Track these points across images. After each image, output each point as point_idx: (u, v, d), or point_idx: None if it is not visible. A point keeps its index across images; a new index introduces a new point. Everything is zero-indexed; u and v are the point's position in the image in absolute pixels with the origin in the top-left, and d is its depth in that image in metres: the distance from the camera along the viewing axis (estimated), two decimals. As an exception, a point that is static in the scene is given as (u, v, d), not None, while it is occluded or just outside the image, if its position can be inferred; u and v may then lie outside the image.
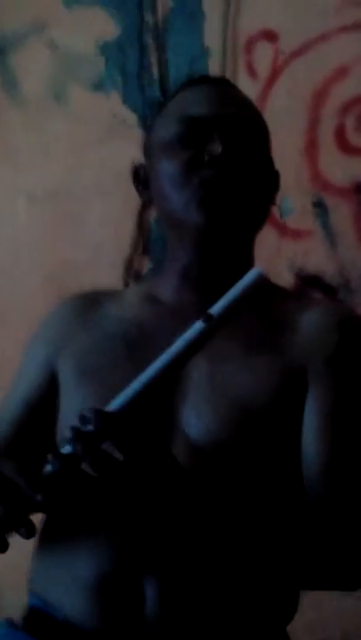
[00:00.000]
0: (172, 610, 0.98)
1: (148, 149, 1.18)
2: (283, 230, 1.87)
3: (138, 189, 1.18)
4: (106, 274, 1.92)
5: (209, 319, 0.93)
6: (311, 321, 1.10)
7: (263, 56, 1.91)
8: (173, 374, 0.93)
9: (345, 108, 1.84)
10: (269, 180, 1.16)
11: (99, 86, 2.07)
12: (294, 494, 1.07)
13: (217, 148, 1.07)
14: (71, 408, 1.08)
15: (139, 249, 1.97)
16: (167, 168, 1.10)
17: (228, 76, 1.91)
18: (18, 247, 2.08)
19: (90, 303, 1.18)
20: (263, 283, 0.93)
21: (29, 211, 2.08)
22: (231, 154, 1.07)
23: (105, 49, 2.05)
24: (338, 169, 1.84)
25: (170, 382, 0.94)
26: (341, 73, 1.85)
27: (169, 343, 1.04)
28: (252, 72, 1.92)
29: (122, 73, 2.04)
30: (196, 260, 1.11)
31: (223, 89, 1.17)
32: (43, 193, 2.07)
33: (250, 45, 1.93)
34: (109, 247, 2.00)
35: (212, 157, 1.07)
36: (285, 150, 1.87)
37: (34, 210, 2.07)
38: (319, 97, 1.86)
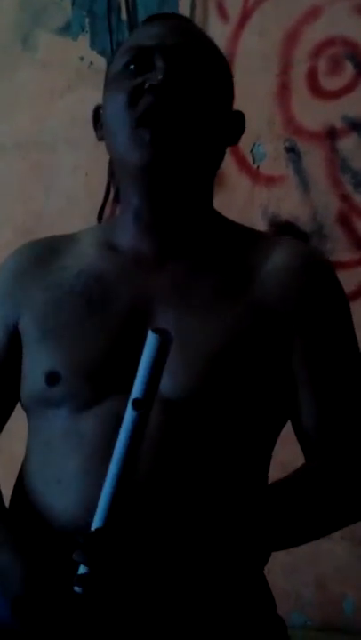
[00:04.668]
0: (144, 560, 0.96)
1: (104, 87, 1.12)
2: (256, 176, 1.85)
3: (95, 129, 1.13)
4: (78, 223, 1.89)
5: (138, 405, 0.88)
6: (278, 264, 1.07)
7: (233, -3, 1.88)
8: (133, 468, 0.90)
9: (317, 51, 1.82)
10: (224, 117, 1.09)
11: (66, 30, 2.03)
12: (269, 443, 1.08)
13: (157, 75, 1.02)
14: (35, 369, 1.06)
15: (110, 197, 1.95)
16: (111, 101, 1.06)
17: (199, 17, 1.89)
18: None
19: (47, 252, 1.14)
20: (169, 342, 0.87)
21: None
22: (174, 82, 1.02)
23: (72, -8, 2.00)
24: (310, 113, 1.82)
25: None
26: (313, 14, 1.82)
27: (127, 298, 1.04)
28: (222, 13, 1.88)
29: (89, 15, 2.00)
30: (146, 202, 1.06)
31: (176, 22, 1.12)
32: (12, 143, 2.03)
33: (220, -15, 1.90)
34: (81, 196, 1.98)
35: (151, 84, 1.01)
36: (257, 94, 1.87)
37: (3, 160, 2.04)
38: (291, 39, 1.83)
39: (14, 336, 1.10)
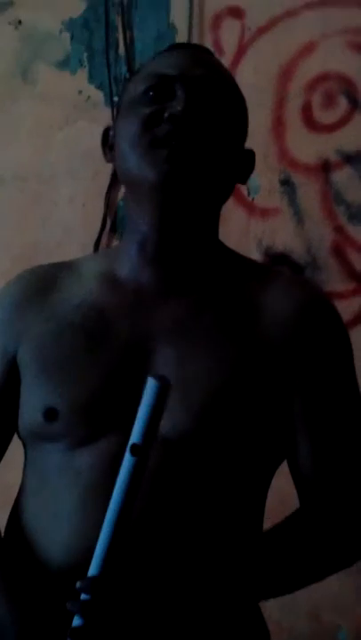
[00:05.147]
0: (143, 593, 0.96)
1: (117, 111, 1.12)
2: (251, 209, 1.88)
3: (104, 151, 1.11)
4: (76, 253, 1.90)
5: (136, 450, 0.87)
6: (280, 303, 1.05)
7: (230, 32, 1.91)
8: (130, 514, 0.89)
9: (311, 85, 1.85)
10: (237, 153, 1.08)
11: (65, 64, 2.06)
12: (265, 480, 1.07)
13: (178, 104, 1.00)
14: (33, 403, 1.05)
15: (107, 228, 1.97)
16: (127, 125, 1.04)
17: (195, 53, 1.91)
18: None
19: (47, 281, 1.12)
20: (168, 389, 0.87)
21: (-3, 193, 2.07)
22: (194, 114, 1.01)
23: (70, 26, 2.03)
24: (305, 146, 1.85)
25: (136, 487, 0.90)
26: (308, 49, 1.86)
27: (127, 334, 1.03)
28: (218, 49, 1.91)
29: (88, 50, 2.03)
30: (154, 230, 1.04)
31: (198, 53, 1.11)
32: (10, 174, 2.05)
33: (216, 21, 1.93)
34: (78, 227, 2.00)
35: (171, 114, 1.00)
36: (253, 128, 1.87)
37: (2, 191, 2.06)
38: (286, 74, 1.87)
39: (12, 366, 1.09)
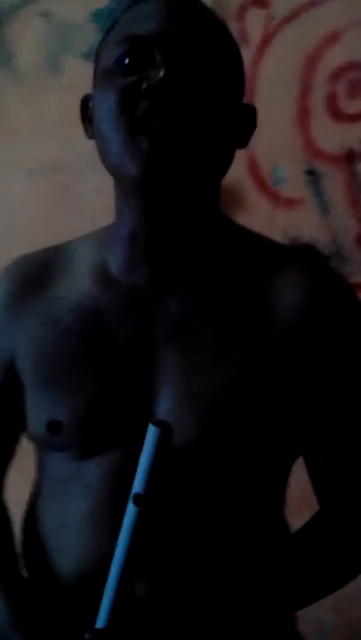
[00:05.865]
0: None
1: (94, 77, 0.97)
2: (276, 200, 1.88)
3: (84, 126, 1.00)
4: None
5: (140, 500, 0.83)
6: (287, 291, 0.96)
7: (255, 23, 1.90)
8: (136, 564, 0.86)
9: (336, 75, 1.84)
10: (233, 115, 0.93)
11: (92, 55, 2.06)
12: (280, 481, 1.04)
13: (157, 73, 0.85)
14: (37, 415, 1.00)
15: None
16: (103, 100, 0.90)
17: (220, 43, 1.91)
18: (15, 221, 2.09)
19: (38, 272, 1.03)
20: (170, 436, 0.82)
21: (26, 184, 2.09)
22: (177, 82, 0.86)
23: (97, 16, 2.03)
24: (330, 136, 1.84)
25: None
26: (333, 39, 1.85)
27: (127, 341, 0.96)
28: (243, 39, 1.91)
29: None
30: (143, 223, 0.94)
31: (174, 0, 0.92)
32: (39, 166, 2.07)
33: (241, 12, 1.92)
34: (106, 218, 2.00)
35: (150, 85, 0.85)
36: (278, 118, 1.89)
37: (31, 183, 2.08)
38: (311, 63, 1.86)
39: (11, 371, 1.03)
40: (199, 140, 0.88)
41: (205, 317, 0.96)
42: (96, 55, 0.97)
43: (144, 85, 0.87)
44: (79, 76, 2.09)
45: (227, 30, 0.95)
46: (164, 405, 0.95)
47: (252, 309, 0.96)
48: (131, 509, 0.84)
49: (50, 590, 1.01)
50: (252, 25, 1.91)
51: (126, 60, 0.89)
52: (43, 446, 1.03)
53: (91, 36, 2.07)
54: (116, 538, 0.87)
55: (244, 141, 0.98)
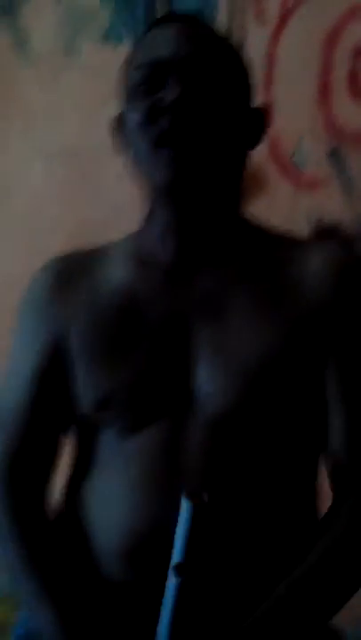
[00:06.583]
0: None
1: (123, 94, 1.10)
2: (298, 181, 1.86)
3: (120, 138, 1.11)
4: (125, 231, 1.93)
5: (180, 570, 0.86)
6: (313, 275, 1.05)
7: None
8: (180, 635, 0.88)
9: (358, 52, 1.81)
10: (243, 121, 1.07)
11: (107, 37, 2.05)
12: (314, 456, 1.08)
13: (171, 93, 1.01)
14: (85, 394, 1.07)
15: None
16: (130, 118, 1.05)
17: (237, 21, 1.89)
18: (35, 207, 2.09)
19: (80, 265, 1.14)
20: (204, 512, 0.86)
21: (45, 170, 2.09)
22: (190, 99, 1.01)
23: (111, -2, 2.03)
24: (352, 115, 1.80)
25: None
26: (353, 14, 1.81)
27: (163, 319, 1.05)
28: (261, 16, 1.89)
29: (130, 22, 2.02)
30: (173, 217, 1.06)
31: (186, 26, 1.07)
32: (57, 150, 2.07)
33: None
34: (127, 204, 2.00)
35: (166, 105, 1.01)
36: (298, 97, 1.87)
37: (50, 169, 2.07)
38: (331, 41, 1.83)
39: (57, 357, 1.10)
40: (213, 146, 1.02)
41: (232, 294, 1.06)
42: (124, 72, 1.10)
43: (162, 105, 1.01)
44: (96, 59, 2.09)
45: (231, 46, 1.09)
46: (202, 376, 1.03)
47: (280, 286, 1.06)
48: (172, 581, 0.87)
49: (93, 572, 1.04)
50: (271, 1, 1.88)
51: (146, 85, 1.04)
52: (89, 426, 1.08)
53: (106, 17, 2.05)
54: (161, 508, 0.94)
55: (255, 141, 1.10)
